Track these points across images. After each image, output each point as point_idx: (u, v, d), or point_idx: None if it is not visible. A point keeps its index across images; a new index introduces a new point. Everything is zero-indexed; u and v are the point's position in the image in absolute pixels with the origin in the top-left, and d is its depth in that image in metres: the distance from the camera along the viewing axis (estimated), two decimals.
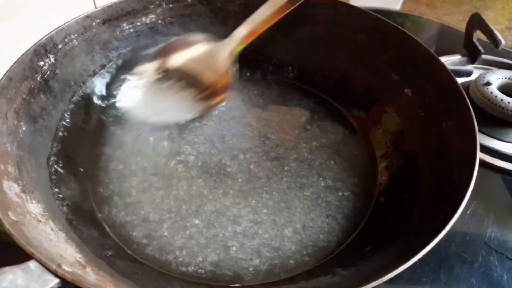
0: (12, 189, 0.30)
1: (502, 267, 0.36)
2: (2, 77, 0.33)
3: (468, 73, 0.54)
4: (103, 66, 0.45)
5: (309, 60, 0.50)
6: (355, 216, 0.38)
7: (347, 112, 0.47)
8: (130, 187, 0.38)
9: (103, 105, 0.44)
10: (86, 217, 0.35)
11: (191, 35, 0.46)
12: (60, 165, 0.37)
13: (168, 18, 0.48)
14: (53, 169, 0.36)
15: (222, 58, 0.44)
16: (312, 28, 0.49)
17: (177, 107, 0.43)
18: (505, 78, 0.51)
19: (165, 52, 0.44)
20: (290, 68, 0.51)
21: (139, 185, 0.39)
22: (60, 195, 0.35)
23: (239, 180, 0.39)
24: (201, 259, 0.34)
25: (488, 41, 0.54)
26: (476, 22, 0.56)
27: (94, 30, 0.43)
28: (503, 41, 0.53)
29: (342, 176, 0.41)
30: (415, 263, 0.26)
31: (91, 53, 0.43)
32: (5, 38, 0.47)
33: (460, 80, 0.53)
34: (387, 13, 0.69)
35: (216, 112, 0.46)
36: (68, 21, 0.40)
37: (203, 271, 0.33)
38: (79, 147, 0.40)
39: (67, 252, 0.28)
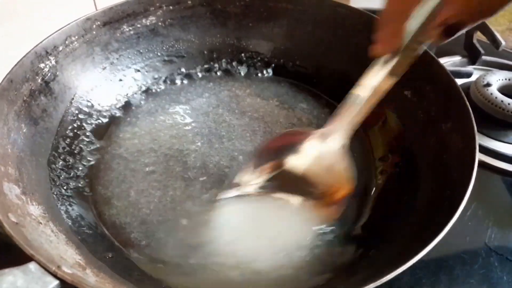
0: (13, 190, 0.30)
1: (502, 268, 0.36)
2: (3, 79, 0.34)
3: (468, 74, 0.54)
4: (103, 68, 0.45)
5: (309, 61, 0.50)
6: (353, 217, 0.38)
7: None
8: (130, 188, 0.38)
9: (104, 105, 0.45)
10: (86, 219, 0.35)
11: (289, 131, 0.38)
12: (61, 167, 0.38)
13: (169, 20, 0.48)
14: (53, 171, 0.37)
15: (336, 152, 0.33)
16: (312, 29, 0.49)
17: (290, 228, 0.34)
18: (505, 79, 0.51)
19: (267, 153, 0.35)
20: (290, 69, 0.51)
21: (139, 187, 0.39)
22: (60, 197, 0.35)
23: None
24: (201, 260, 0.34)
25: (488, 42, 0.54)
26: None
27: (94, 32, 0.43)
28: (503, 42, 0.53)
29: None
30: (415, 264, 0.26)
31: (91, 55, 0.43)
32: (6, 40, 0.47)
33: (460, 81, 0.53)
34: None
35: (216, 112, 0.46)
36: (69, 23, 0.41)
37: (203, 272, 0.33)
38: (79, 148, 0.41)
39: (67, 253, 0.29)
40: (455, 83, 0.37)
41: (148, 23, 0.47)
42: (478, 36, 0.57)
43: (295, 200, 0.33)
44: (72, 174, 0.38)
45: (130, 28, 0.46)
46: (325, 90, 0.50)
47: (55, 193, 0.35)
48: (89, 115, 0.43)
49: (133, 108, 0.46)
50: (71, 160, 0.39)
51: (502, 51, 0.54)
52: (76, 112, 0.42)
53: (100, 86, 0.45)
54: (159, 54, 0.49)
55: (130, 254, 0.34)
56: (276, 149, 0.35)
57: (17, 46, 0.38)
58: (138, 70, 0.48)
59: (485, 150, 0.45)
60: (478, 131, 0.34)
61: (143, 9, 0.46)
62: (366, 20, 0.46)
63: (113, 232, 0.35)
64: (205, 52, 0.51)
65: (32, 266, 0.23)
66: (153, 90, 0.48)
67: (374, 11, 0.46)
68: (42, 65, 0.38)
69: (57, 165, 0.37)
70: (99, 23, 0.43)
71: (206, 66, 0.51)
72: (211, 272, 0.33)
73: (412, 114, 0.41)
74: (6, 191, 0.29)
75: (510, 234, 0.39)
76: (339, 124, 0.33)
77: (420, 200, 0.35)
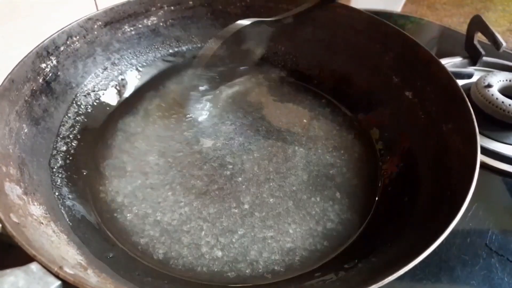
0: (14, 191, 0.30)
1: (503, 269, 0.36)
2: (5, 80, 0.34)
3: (469, 75, 0.54)
4: (105, 68, 0.45)
5: (309, 61, 0.51)
6: (355, 218, 0.38)
7: (348, 114, 0.47)
8: (131, 188, 0.38)
9: (105, 105, 0.45)
10: (87, 219, 0.35)
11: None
12: (62, 167, 0.38)
13: (170, 20, 0.48)
14: (54, 171, 0.37)
15: None
16: (313, 30, 0.49)
17: None
18: (506, 80, 0.51)
19: None
20: (291, 69, 0.51)
21: (141, 186, 0.39)
22: (62, 197, 0.35)
23: (239, 179, 0.40)
24: (201, 260, 0.34)
25: (489, 43, 0.54)
26: (477, 24, 0.56)
27: (96, 33, 0.43)
28: (504, 43, 0.53)
29: (342, 177, 0.41)
30: (416, 265, 0.26)
31: (92, 55, 0.44)
32: (8, 40, 0.47)
33: (461, 82, 0.53)
34: (388, 15, 0.69)
35: (218, 113, 0.46)
36: (70, 24, 0.41)
37: (203, 272, 0.33)
38: (81, 149, 0.41)
39: (68, 254, 0.29)
40: (456, 84, 0.37)
41: (149, 24, 0.47)
42: (479, 37, 0.56)
43: None
44: (73, 174, 0.38)
45: (131, 28, 0.46)
46: (326, 90, 0.50)
47: (56, 193, 0.35)
48: (90, 115, 0.43)
49: (135, 108, 0.46)
50: (72, 161, 0.39)
51: (503, 52, 0.54)
52: (77, 112, 0.42)
53: (102, 86, 0.45)
54: (160, 54, 0.49)
55: (131, 254, 0.34)
56: None
57: (18, 46, 0.38)
58: (139, 70, 0.48)
59: (486, 151, 0.45)
60: (479, 132, 0.34)
61: (144, 10, 0.46)
62: (367, 21, 0.46)
63: (114, 232, 0.35)
64: None
65: (33, 266, 0.23)
66: (154, 91, 0.48)
67: (374, 12, 0.46)
68: (43, 65, 0.38)
69: (58, 166, 0.37)
70: (100, 23, 0.43)
71: (206, 66, 0.51)
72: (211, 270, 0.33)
73: (413, 115, 0.41)
74: (8, 191, 0.29)
75: (511, 235, 0.39)
76: None
77: (421, 201, 0.35)
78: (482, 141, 0.46)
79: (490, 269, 0.36)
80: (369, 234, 0.36)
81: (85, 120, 0.42)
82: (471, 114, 0.35)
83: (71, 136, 0.40)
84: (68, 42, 0.41)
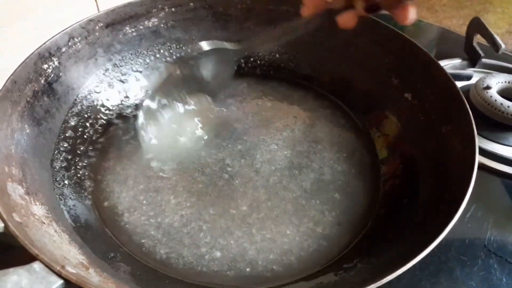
0: (16, 191, 0.30)
1: (501, 270, 0.36)
2: (7, 80, 0.34)
3: (468, 77, 0.54)
4: (106, 70, 0.45)
5: (309, 63, 0.51)
6: (354, 219, 0.38)
7: (348, 116, 0.48)
8: (132, 188, 0.39)
9: (106, 106, 0.45)
10: (89, 219, 0.36)
11: None
12: (63, 167, 0.38)
13: (171, 22, 0.48)
14: (56, 171, 0.37)
15: None
16: (313, 33, 0.49)
17: None
18: (505, 82, 0.51)
19: None
20: (291, 71, 0.52)
21: (142, 187, 0.39)
22: (63, 197, 0.36)
23: (237, 182, 0.40)
24: (201, 260, 0.34)
25: (488, 45, 0.55)
26: (476, 26, 0.56)
27: (97, 34, 0.43)
28: (503, 45, 0.53)
29: (342, 179, 0.41)
30: (415, 266, 0.26)
31: (94, 56, 0.44)
32: (10, 41, 0.47)
33: (460, 84, 0.53)
34: (388, 17, 0.69)
35: (219, 113, 0.47)
36: (71, 25, 0.41)
37: (203, 271, 0.34)
38: (82, 149, 0.41)
39: (70, 253, 0.29)
40: (455, 86, 0.38)
41: (150, 25, 0.47)
42: (478, 39, 0.57)
43: None
44: (74, 174, 0.38)
45: (133, 29, 0.46)
46: (326, 91, 0.50)
47: (58, 193, 0.35)
48: (92, 116, 0.43)
49: (136, 108, 0.46)
50: (73, 161, 0.39)
51: (502, 54, 0.54)
52: (79, 113, 0.42)
53: (103, 87, 0.45)
54: (161, 55, 0.49)
55: (132, 254, 0.34)
56: None
57: (20, 47, 0.38)
58: (140, 72, 0.48)
59: (484, 153, 0.45)
60: (478, 133, 0.34)
61: (145, 11, 0.46)
62: (366, 23, 0.46)
63: (115, 232, 0.36)
64: None
65: (36, 265, 0.23)
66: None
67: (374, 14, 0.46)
68: (45, 66, 0.38)
69: (59, 166, 0.38)
70: (101, 24, 0.44)
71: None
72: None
73: (413, 116, 0.41)
74: (10, 191, 0.29)
75: (510, 236, 0.39)
76: None
77: (420, 202, 0.35)
78: (481, 143, 0.46)
79: (488, 270, 0.36)
80: (368, 235, 0.36)
81: (86, 120, 0.43)
82: (470, 116, 0.35)
83: (72, 137, 0.40)
84: (69, 43, 0.41)
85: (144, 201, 0.38)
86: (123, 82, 0.47)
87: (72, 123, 0.41)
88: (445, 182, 0.34)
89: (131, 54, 0.47)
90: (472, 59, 0.57)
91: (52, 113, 0.39)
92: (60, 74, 0.40)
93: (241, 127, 0.45)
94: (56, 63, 0.39)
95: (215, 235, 0.36)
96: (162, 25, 0.48)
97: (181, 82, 0.40)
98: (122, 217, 0.37)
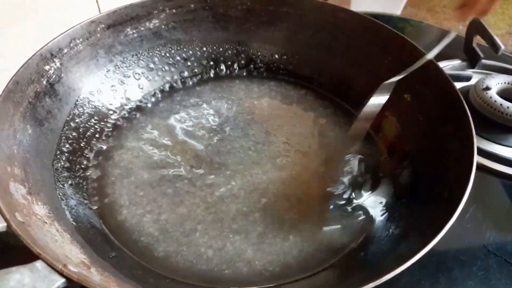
0: (19, 191, 0.30)
1: (500, 270, 0.37)
2: (9, 81, 0.34)
3: (468, 78, 0.55)
4: (107, 71, 0.45)
5: (309, 65, 0.51)
6: (354, 219, 0.38)
7: (347, 117, 0.48)
8: (133, 188, 0.39)
9: (107, 107, 0.45)
10: (90, 219, 0.36)
11: None
12: (65, 167, 0.38)
13: (171, 23, 0.49)
14: (58, 172, 0.37)
15: None
16: (312, 33, 0.50)
17: None
18: (505, 83, 0.51)
19: None
20: (291, 72, 0.52)
21: (143, 187, 0.39)
22: (65, 197, 0.36)
23: (238, 181, 0.40)
24: (199, 259, 0.34)
25: (487, 46, 0.55)
26: (476, 27, 0.56)
27: (98, 35, 0.44)
28: (502, 46, 0.53)
29: (342, 179, 0.41)
30: (414, 266, 0.26)
31: (95, 57, 0.44)
32: (12, 43, 0.48)
33: (459, 85, 0.53)
34: (388, 18, 0.69)
35: (219, 113, 0.47)
36: (73, 26, 0.41)
37: (202, 269, 0.34)
38: (83, 149, 0.41)
39: (72, 253, 0.29)
40: (453, 87, 0.38)
41: (151, 26, 0.48)
42: (478, 40, 0.57)
43: None
44: (76, 174, 0.39)
45: (134, 31, 0.46)
46: (326, 92, 0.50)
47: (59, 193, 0.36)
48: (93, 116, 0.43)
49: (137, 109, 0.47)
50: (75, 161, 0.40)
51: (501, 55, 0.54)
52: (80, 113, 0.42)
53: (104, 88, 0.45)
54: (162, 56, 0.49)
55: (132, 254, 0.34)
56: None
57: (22, 48, 0.39)
58: (142, 73, 0.48)
59: (484, 153, 0.45)
60: (477, 134, 0.34)
61: (147, 13, 0.47)
62: (366, 25, 0.46)
63: (116, 232, 0.36)
64: (207, 55, 0.51)
65: (38, 264, 0.24)
66: (156, 92, 0.49)
67: (374, 15, 0.47)
68: (47, 67, 0.39)
69: (61, 166, 0.38)
70: (103, 26, 0.44)
71: (208, 68, 0.52)
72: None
73: (412, 117, 0.42)
74: (13, 191, 0.29)
75: (509, 236, 0.40)
76: None
77: (418, 202, 0.36)
78: (480, 143, 0.46)
79: (487, 270, 0.36)
80: (367, 235, 0.36)
81: (88, 121, 0.43)
82: (468, 116, 0.35)
83: (74, 137, 0.41)
84: (71, 45, 0.41)
85: (147, 201, 0.38)
86: (124, 83, 0.47)
87: (74, 124, 0.41)
88: (444, 183, 0.34)
89: (132, 55, 0.47)
90: (472, 60, 0.57)
91: (54, 113, 0.39)
92: (62, 75, 0.40)
93: (241, 127, 0.46)
94: (57, 64, 0.40)
95: (212, 234, 0.36)
96: (163, 27, 0.48)
97: None
98: (123, 216, 0.37)
